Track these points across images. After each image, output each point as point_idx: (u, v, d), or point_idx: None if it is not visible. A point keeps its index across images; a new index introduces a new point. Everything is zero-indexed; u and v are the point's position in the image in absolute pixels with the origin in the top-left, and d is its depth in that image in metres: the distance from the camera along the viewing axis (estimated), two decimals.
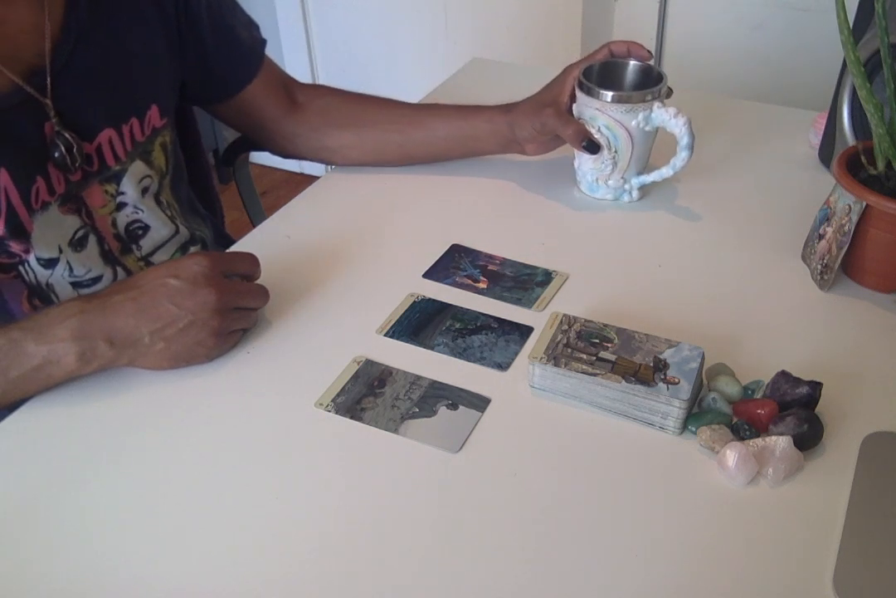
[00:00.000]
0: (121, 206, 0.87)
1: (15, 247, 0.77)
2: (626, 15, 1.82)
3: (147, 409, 0.69)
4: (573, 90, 0.90)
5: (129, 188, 0.86)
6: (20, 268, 0.79)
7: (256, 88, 0.96)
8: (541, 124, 0.89)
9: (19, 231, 0.77)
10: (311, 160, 1.04)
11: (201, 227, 1.00)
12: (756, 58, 1.76)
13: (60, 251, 0.81)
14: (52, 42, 0.76)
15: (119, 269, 0.88)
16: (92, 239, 0.84)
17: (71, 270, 0.83)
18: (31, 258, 0.79)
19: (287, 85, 1.00)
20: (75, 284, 0.84)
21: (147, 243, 0.91)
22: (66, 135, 0.77)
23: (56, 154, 0.77)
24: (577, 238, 0.89)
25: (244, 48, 0.95)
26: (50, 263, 0.81)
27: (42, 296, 0.81)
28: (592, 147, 0.88)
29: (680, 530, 0.59)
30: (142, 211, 0.89)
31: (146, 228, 0.90)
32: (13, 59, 0.74)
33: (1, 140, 0.74)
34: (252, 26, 0.96)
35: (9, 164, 0.74)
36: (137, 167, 0.87)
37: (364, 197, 0.96)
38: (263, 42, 0.98)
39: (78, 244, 0.83)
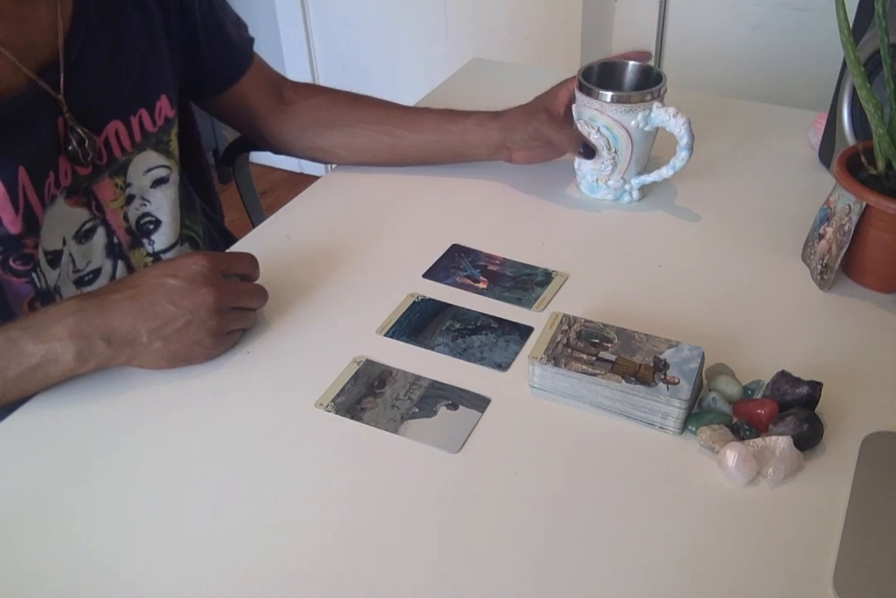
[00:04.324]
0: (130, 198, 0.88)
1: (29, 244, 0.77)
2: (626, 15, 1.82)
3: (147, 409, 0.69)
4: (569, 101, 0.90)
5: (135, 179, 0.87)
6: (32, 275, 0.79)
7: (245, 86, 0.97)
8: (533, 129, 0.90)
9: (34, 227, 0.77)
10: (305, 159, 1.04)
11: (195, 223, 1.00)
12: (756, 58, 1.76)
13: (64, 243, 0.82)
14: (63, 38, 0.77)
15: (120, 263, 0.88)
16: (100, 232, 0.85)
17: (73, 262, 0.83)
18: (42, 260, 0.79)
19: (277, 84, 1.01)
20: (78, 282, 0.85)
21: (160, 239, 0.92)
22: (79, 130, 0.78)
23: (70, 148, 0.78)
24: (577, 238, 0.89)
25: (233, 45, 0.96)
26: (55, 258, 0.81)
27: (46, 301, 0.81)
28: (588, 152, 0.88)
29: (680, 530, 0.59)
30: (149, 202, 0.89)
31: (157, 222, 0.91)
32: (29, 56, 0.75)
33: (18, 138, 0.74)
34: (240, 25, 0.98)
35: (26, 161, 0.74)
36: (145, 157, 0.87)
37: (364, 197, 0.96)
38: (251, 41, 0.99)
39: (84, 236, 0.84)
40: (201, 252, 0.73)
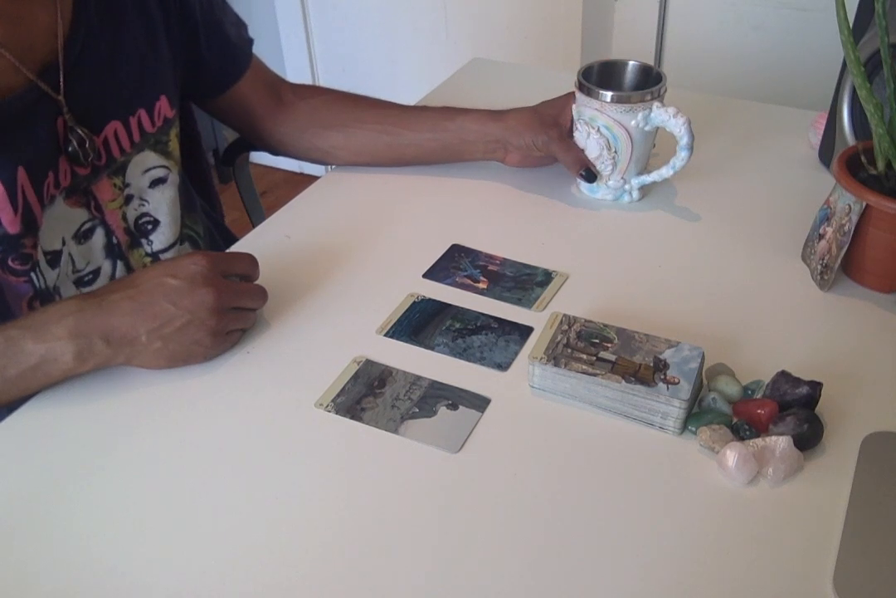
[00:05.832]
0: (129, 199, 0.88)
1: (28, 244, 0.77)
2: (626, 15, 1.82)
3: (147, 409, 0.69)
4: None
5: (133, 179, 0.87)
6: (32, 274, 0.79)
7: (244, 87, 0.97)
8: (542, 142, 0.90)
9: (33, 227, 0.77)
10: (304, 160, 1.04)
11: (195, 223, 1.00)
12: (756, 58, 1.76)
13: (63, 243, 0.82)
14: (63, 39, 0.77)
15: (120, 263, 0.88)
16: (99, 232, 0.85)
17: (73, 262, 0.83)
18: (41, 260, 0.79)
19: (276, 85, 1.01)
20: (78, 282, 0.85)
21: (158, 239, 0.92)
22: (79, 130, 0.78)
23: (70, 149, 0.78)
24: (577, 238, 0.89)
25: (232, 46, 0.96)
26: (55, 259, 0.81)
27: (45, 300, 0.81)
28: (590, 176, 0.89)
29: (680, 530, 0.59)
30: (147, 202, 0.89)
31: (156, 223, 0.91)
32: (28, 57, 0.75)
33: (18, 139, 0.74)
34: (240, 26, 0.98)
35: (26, 162, 0.74)
36: (144, 158, 0.87)
37: (364, 197, 0.96)
38: (251, 42, 0.99)
39: (83, 236, 0.84)
40: (201, 252, 0.73)
